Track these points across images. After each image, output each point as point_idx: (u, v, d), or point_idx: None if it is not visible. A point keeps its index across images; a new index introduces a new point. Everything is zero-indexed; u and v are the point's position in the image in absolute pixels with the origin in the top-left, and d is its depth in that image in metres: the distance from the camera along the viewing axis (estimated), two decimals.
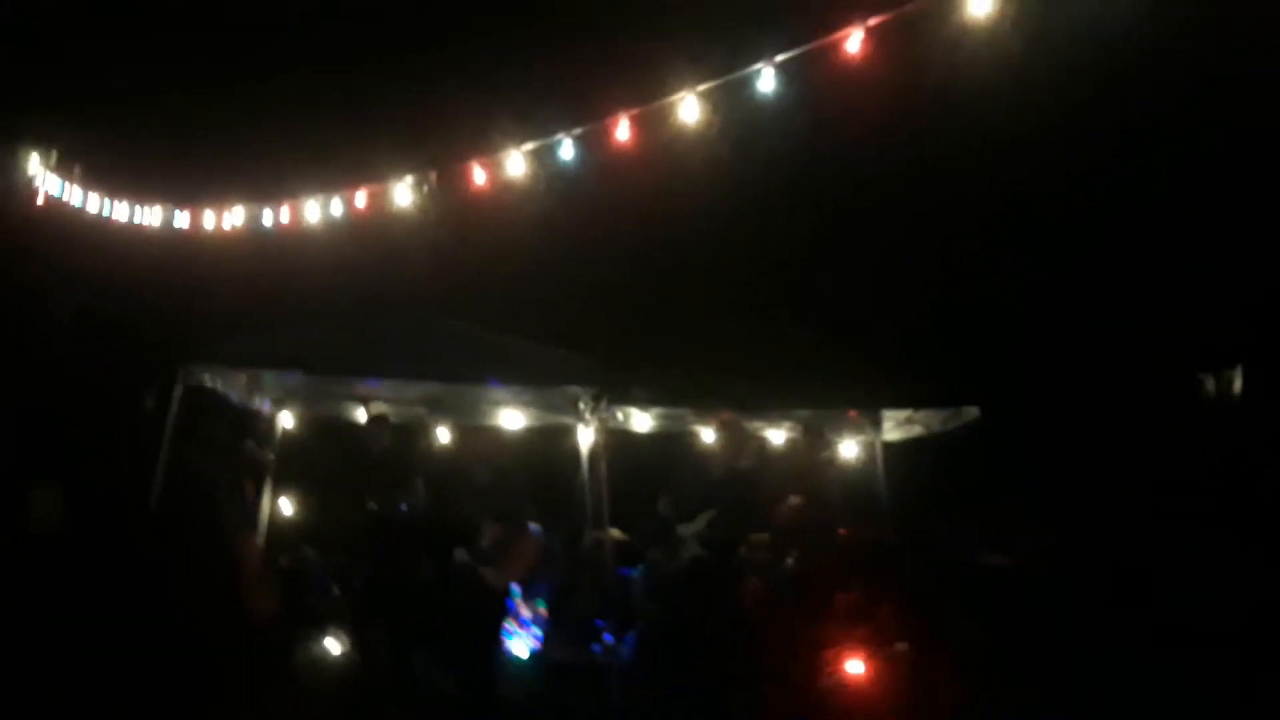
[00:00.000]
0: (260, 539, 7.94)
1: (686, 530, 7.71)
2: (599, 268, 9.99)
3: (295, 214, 8.85)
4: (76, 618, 5.79)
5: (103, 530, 6.86)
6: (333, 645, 7.04)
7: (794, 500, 7.43)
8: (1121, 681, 6.46)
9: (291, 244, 9.11)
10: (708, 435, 8.70)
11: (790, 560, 7.66)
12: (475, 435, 9.05)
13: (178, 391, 7.32)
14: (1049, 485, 8.58)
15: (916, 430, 8.89)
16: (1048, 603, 7.53)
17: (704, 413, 8.55)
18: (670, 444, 8.89)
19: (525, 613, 6.73)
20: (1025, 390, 9.14)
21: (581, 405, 7.64)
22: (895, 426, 8.82)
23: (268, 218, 8.96)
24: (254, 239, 9.22)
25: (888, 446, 9.00)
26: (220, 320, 9.37)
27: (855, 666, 7.16)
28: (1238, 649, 6.32)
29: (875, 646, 7.34)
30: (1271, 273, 8.58)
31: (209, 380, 7.57)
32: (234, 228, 9.20)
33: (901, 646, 7.48)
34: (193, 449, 7.25)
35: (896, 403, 8.49)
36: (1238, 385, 9.27)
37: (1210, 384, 9.42)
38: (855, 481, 8.84)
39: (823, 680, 7.01)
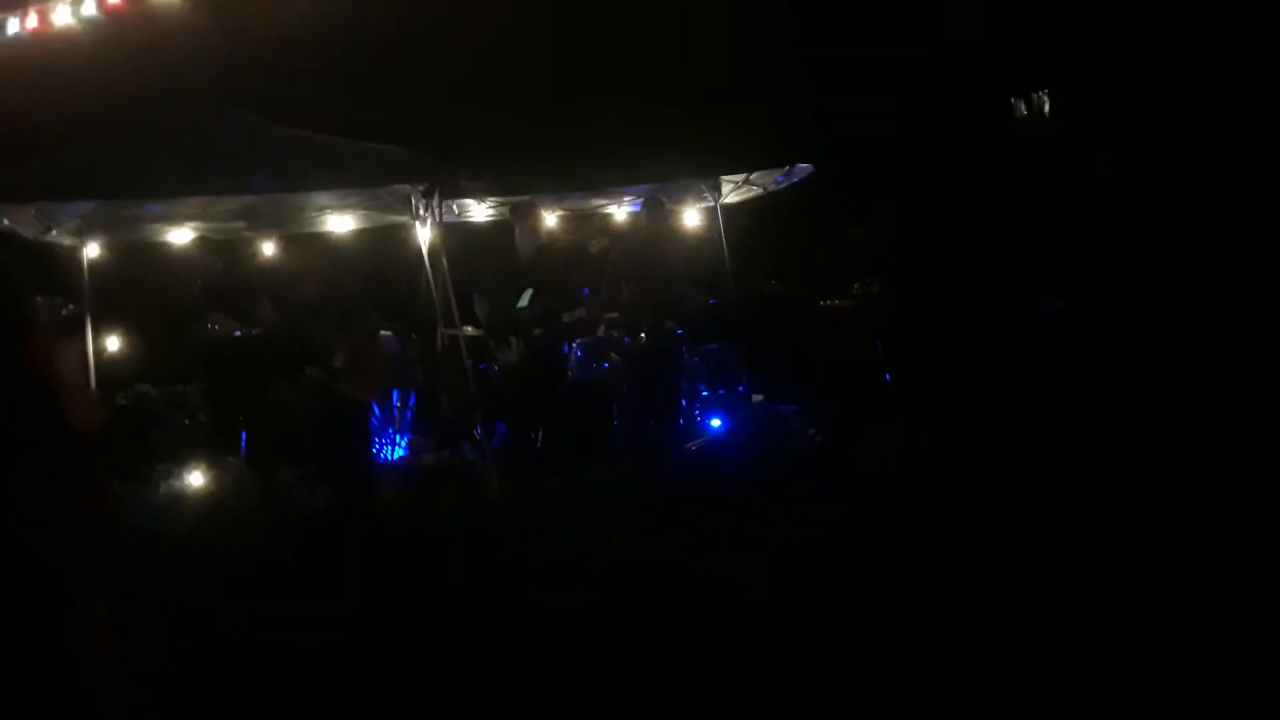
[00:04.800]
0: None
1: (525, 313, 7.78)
2: (413, 52, 9.25)
3: (44, 19, 7.78)
4: None
5: None
6: (192, 478, 6.89)
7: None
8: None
9: (49, 53, 8.05)
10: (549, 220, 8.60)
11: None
12: (303, 245, 8.58)
13: None
14: (876, 231, 9.02)
15: (754, 191, 8.98)
16: (878, 336, 8.14)
17: (541, 197, 8.37)
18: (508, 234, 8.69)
19: (389, 421, 6.71)
20: (853, 141, 9.33)
21: (414, 202, 7.26)
22: (733, 190, 8.87)
23: (13, 26, 7.85)
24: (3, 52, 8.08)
25: (728, 209, 9.09)
26: None
27: (715, 423, 7.62)
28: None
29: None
30: None
31: None
32: None
33: (758, 398, 8.00)
34: None
35: (732, 167, 8.48)
36: (1046, 108, 9.75)
37: (1021, 109, 9.87)
38: (699, 248, 8.97)
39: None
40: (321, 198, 7.67)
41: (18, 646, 3.21)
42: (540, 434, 7.28)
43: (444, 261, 7.29)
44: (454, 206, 8.21)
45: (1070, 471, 5.28)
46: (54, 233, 7.61)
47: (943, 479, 5.67)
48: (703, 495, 5.97)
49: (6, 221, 7.01)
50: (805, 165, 8.72)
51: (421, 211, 7.20)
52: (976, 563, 4.39)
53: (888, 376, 7.89)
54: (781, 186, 9.00)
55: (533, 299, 7.85)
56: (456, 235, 7.99)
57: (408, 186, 7.12)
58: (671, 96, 9.52)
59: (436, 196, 7.22)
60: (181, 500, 6.72)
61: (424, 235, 7.26)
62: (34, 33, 7.83)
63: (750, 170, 8.59)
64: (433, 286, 7.33)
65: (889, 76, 9.65)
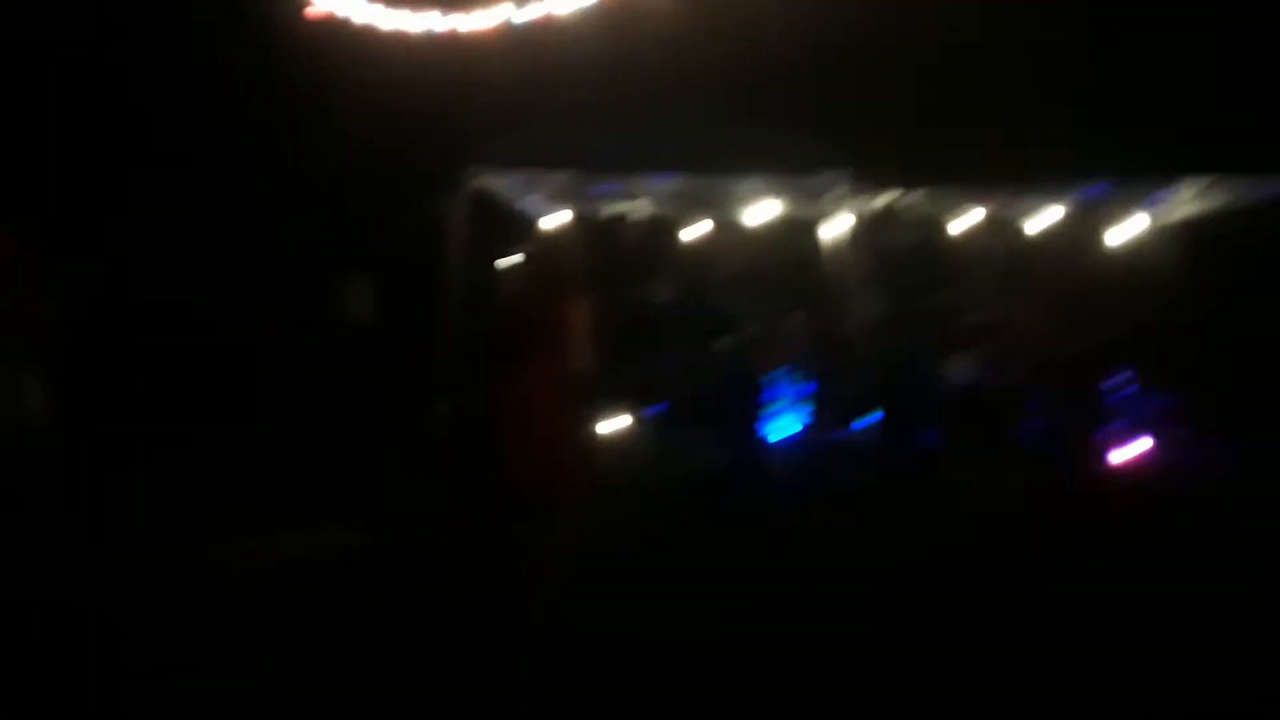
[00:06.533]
0: None
1: None
2: (850, 47, 9.23)
3: (547, 10, 8.85)
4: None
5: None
6: (610, 427, 7.62)
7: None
8: None
9: (546, 40, 9.09)
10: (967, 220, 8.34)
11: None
12: (729, 228, 9.09)
13: (463, 195, 7.54)
14: None
15: (1217, 202, 7.79)
16: None
17: (966, 191, 8.15)
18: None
19: (790, 396, 6.99)
20: None
21: (834, 193, 7.47)
22: (1191, 199, 7.81)
23: (522, 15, 9.00)
24: (509, 38, 9.26)
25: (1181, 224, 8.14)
26: (482, 124, 9.57)
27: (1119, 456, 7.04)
28: None
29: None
30: None
31: (487, 182, 7.73)
32: (490, 29, 9.28)
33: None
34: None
35: (1194, 168, 7.44)
36: None
37: None
38: (1139, 268, 8.15)
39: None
40: (750, 184, 8.09)
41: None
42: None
43: (855, 252, 7.44)
44: (874, 199, 8.25)
45: None
46: (526, 200, 8.73)
47: None
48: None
49: (496, 186, 8.07)
50: None
51: (841, 202, 7.42)
52: None
53: None
54: (1256, 199, 7.69)
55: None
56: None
57: (830, 175, 7.35)
58: (1119, 69, 8.35)
59: (858, 187, 7.38)
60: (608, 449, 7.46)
61: (842, 224, 7.48)
62: (540, 21, 8.89)
63: (1217, 173, 7.45)
64: (847, 276, 7.51)
65: None
